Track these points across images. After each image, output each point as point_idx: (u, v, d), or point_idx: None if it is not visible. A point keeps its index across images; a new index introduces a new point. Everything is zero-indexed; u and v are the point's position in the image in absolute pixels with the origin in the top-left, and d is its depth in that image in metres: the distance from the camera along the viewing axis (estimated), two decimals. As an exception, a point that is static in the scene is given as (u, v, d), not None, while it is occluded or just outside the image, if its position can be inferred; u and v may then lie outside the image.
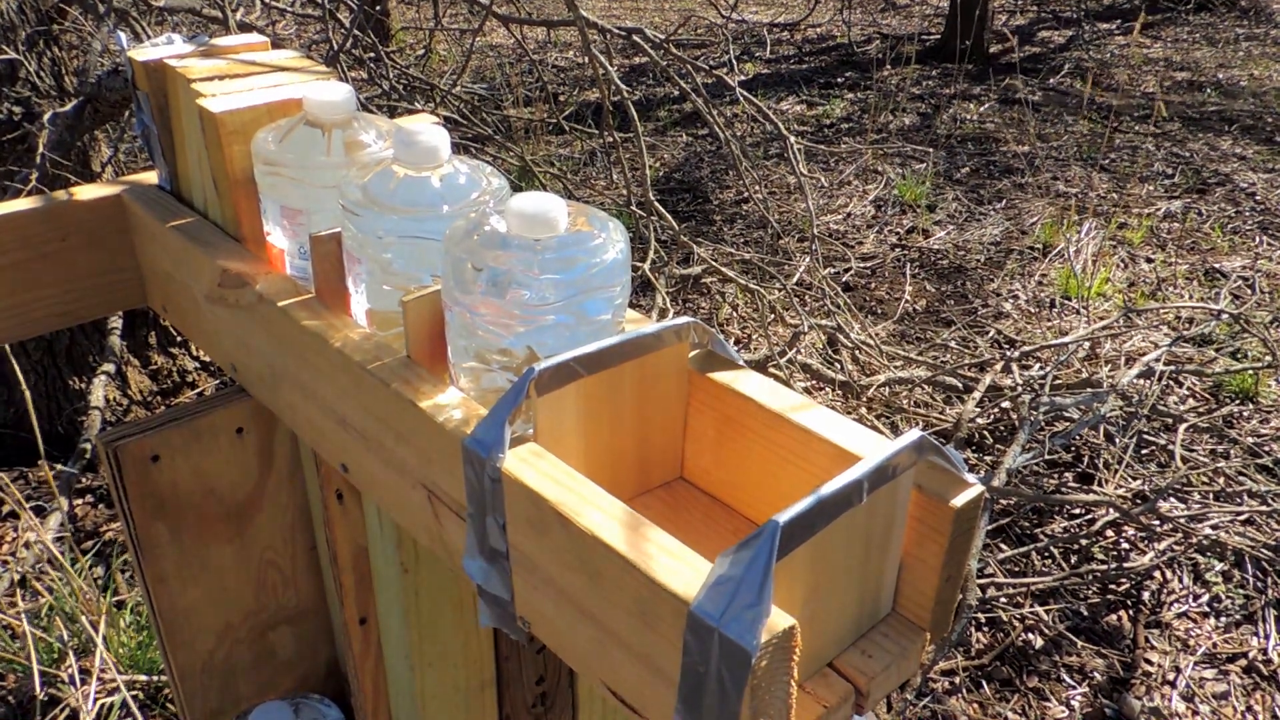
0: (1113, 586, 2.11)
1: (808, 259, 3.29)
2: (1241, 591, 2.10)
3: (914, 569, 0.61)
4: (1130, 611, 2.05)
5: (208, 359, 2.66)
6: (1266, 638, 1.98)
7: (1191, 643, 1.97)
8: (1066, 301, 3.31)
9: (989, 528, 2.23)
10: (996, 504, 2.28)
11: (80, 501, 2.24)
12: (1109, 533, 2.25)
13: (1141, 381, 2.72)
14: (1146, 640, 1.98)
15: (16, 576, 1.90)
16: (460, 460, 0.61)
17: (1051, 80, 5.78)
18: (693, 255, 3.07)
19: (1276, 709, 1.84)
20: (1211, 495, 2.35)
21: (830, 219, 3.98)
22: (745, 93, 2.54)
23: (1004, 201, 4.11)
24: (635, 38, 2.21)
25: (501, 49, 6.43)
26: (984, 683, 1.89)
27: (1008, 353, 2.82)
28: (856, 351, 2.82)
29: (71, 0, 2.24)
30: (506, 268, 0.61)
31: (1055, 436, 2.43)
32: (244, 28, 2.23)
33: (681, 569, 0.50)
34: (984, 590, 2.05)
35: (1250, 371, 2.76)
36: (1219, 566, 2.16)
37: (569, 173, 4.29)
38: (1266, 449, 2.50)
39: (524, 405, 0.59)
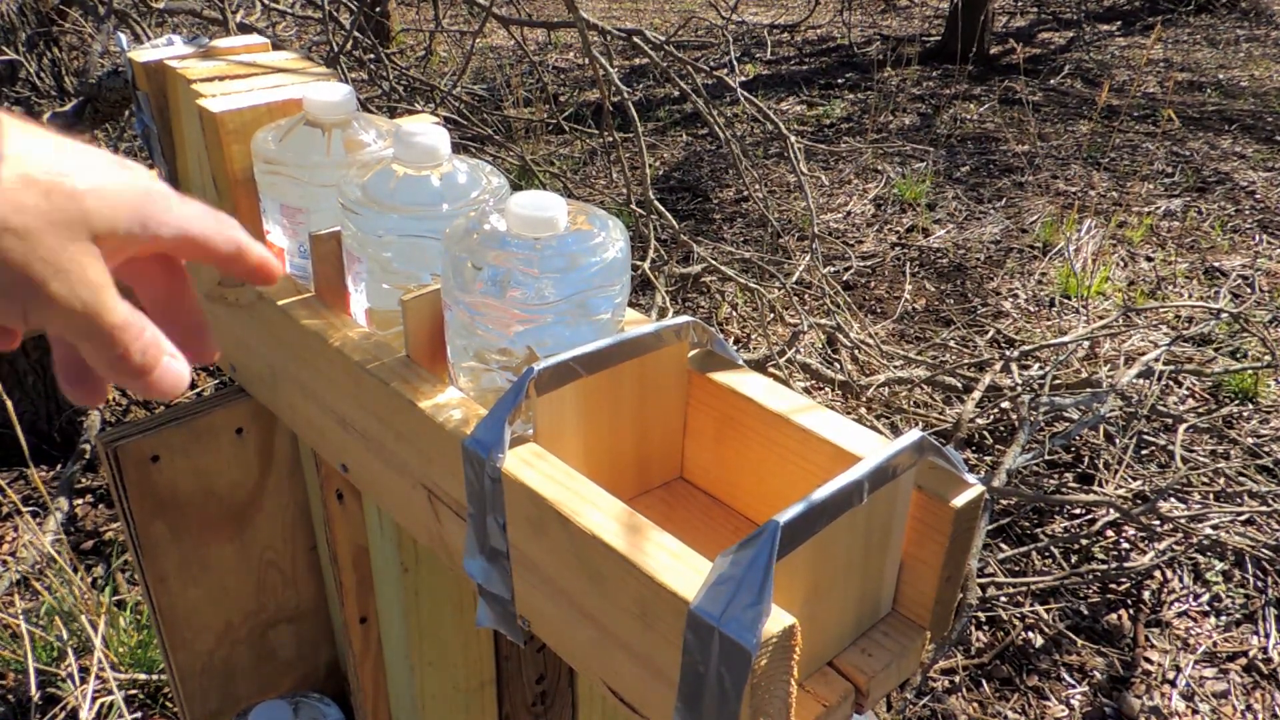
0: (1113, 586, 2.11)
1: (808, 258, 3.28)
2: (1242, 591, 2.10)
3: (914, 568, 0.61)
4: (1130, 611, 2.05)
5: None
6: (1266, 636, 1.98)
7: (1191, 642, 1.97)
8: (1066, 301, 3.31)
9: (989, 528, 2.22)
10: (997, 504, 2.28)
11: (80, 501, 2.24)
12: (1109, 533, 2.25)
13: (1141, 381, 2.72)
14: (1147, 639, 1.98)
15: (16, 577, 1.90)
16: (460, 460, 0.61)
17: (1052, 81, 5.78)
18: (693, 254, 3.07)
19: (1276, 708, 1.84)
20: (1211, 495, 2.34)
21: (830, 218, 3.98)
22: (745, 93, 2.54)
23: (1004, 200, 4.11)
24: (635, 39, 2.21)
25: (501, 50, 6.43)
26: (984, 681, 1.89)
27: (1007, 352, 2.82)
28: (856, 351, 2.81)
29: (71, 2, 2.24)
30: (506, 267, 0.61)
31: (1055, 437, 2.43)
32: (244, 29, 2.23)
33: (681, 568, 0.50)
34: (984, 589, 2.05)
35: (1250, 371, 2.76)
36: (1219, 566, 2.16)
37: (569, 172, 4.29)
38: (1266, 449, 2.50)
39: (524, 405, 0.59)
